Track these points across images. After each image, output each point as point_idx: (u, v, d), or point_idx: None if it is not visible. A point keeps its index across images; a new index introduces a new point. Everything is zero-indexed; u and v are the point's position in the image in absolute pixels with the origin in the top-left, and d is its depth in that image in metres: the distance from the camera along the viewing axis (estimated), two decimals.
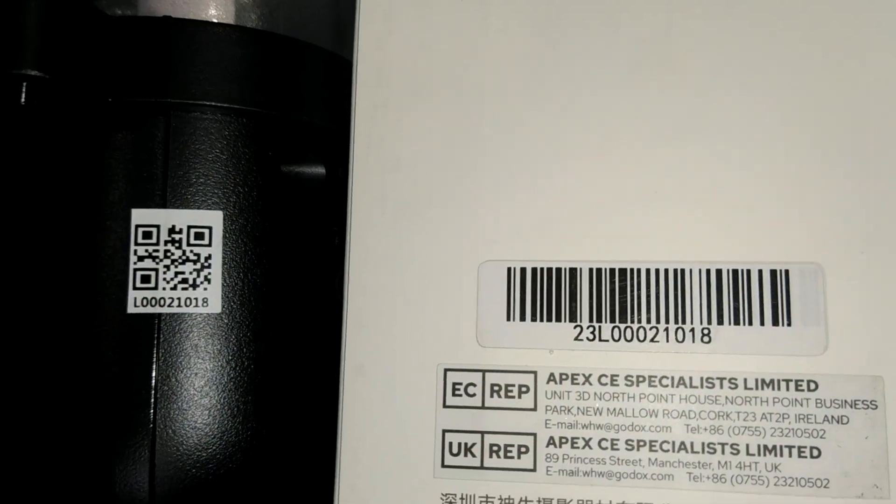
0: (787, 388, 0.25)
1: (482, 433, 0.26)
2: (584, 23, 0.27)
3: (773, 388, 0.25)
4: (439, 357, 0.26)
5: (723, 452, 0.25)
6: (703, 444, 0.25)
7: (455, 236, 0.27)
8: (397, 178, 0.27)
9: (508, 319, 0.26)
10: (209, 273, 0.29)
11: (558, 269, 0.26)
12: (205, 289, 0.28)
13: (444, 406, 0.26)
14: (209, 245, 0.29)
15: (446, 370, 0.26)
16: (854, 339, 0.25)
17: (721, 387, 0.25)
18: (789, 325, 0.25)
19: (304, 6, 0.33)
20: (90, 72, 0.28)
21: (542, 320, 0.26)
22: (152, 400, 0.28)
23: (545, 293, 0.26)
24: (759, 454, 0.25)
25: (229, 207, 0.29)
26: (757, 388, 0.25)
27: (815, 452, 0.25)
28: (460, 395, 0.26)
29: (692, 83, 0.26)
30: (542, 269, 0.26)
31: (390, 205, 0.27)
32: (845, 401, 0.25)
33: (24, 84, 0.26)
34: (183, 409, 0.28)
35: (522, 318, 0.26)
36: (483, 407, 0.26)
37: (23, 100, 0.26)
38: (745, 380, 0.25)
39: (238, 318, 0.29)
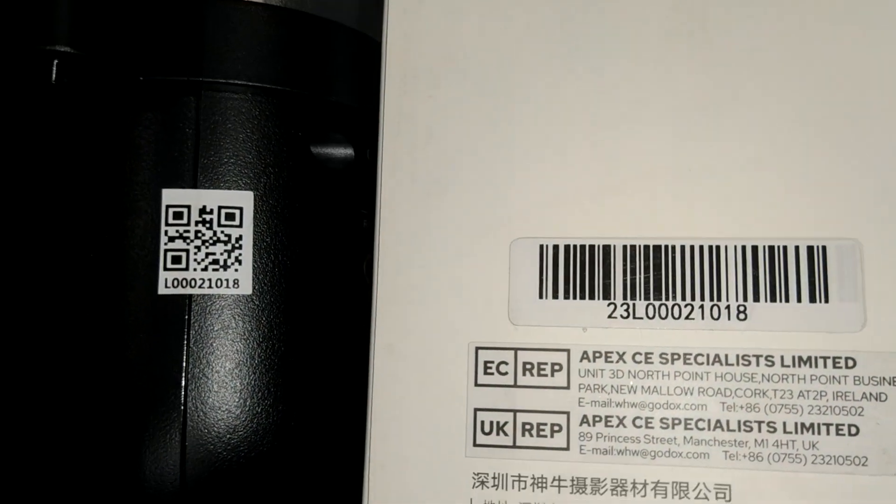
0: (825, 366, 0.25)
1: (514, 412, 0.27)
2: None
3: (811, 366, 0.25)
4: (470, 335, 0.27)
5: (759, 430, 0.25)
6: (739, 422, 0.25)
7: (486, 212, 0.27)
8: (427, 152, 0.28)
9: (541, 297, 0.27)
10: (240, 254, 0.29)
11: (591, 247, 0.27)
12: (235, 270, 0.29)
13: (476, 385, 0.27)
14: (240, 226, 0.29)
15: (478, 348, 0.27)
16: (893, 315, 0.25)
17: (757, 364, 0.26)
18: (826, 301, 0.26)
19: None
20: (122, 49, 0.28)
21: (575, 298, 0.27)
22: (183, 382, 0.28)
23: (578, 271, 0.27)
24: (796, 432, 0.25)
25: (260, 188, 0.30)
26: (794, 365, 0.25)
27: (854, 430, 0.25)
28: (492, 374, 0.27)
29: (728, 55, 0.27)
30: (575, 246, 0.27)
31: (420, 179, 0.28)
32: (884, 378, 0.25)
33: (56, 61, 0.27)
34: (214, 391, 0.28)
35: (555, 296, 0.27)
36: (515, 385, 0.27)
37: (53, 78, 0.27)
38: (782, 357, 0.26)
39: (268, 299, 0.29)
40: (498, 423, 0.27)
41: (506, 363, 0.27)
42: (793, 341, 0.26)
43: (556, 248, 0.27)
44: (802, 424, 0.25)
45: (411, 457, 0.27)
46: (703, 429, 0.26)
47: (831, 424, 0.25)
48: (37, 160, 0.29)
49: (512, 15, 0.28)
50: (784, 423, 0.25)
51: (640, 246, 0.27)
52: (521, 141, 0.28)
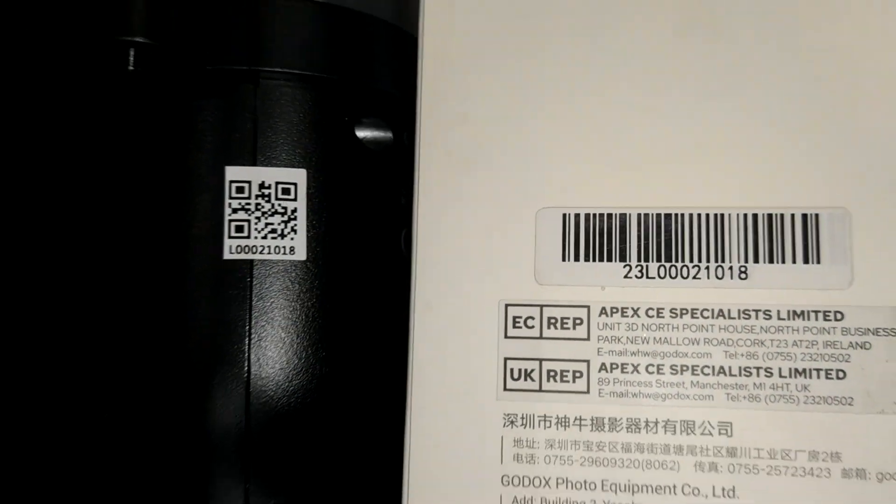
0: (816, 319, 0.26)
1: (540, 360, 0.28)
2: None
3: (804, 319, 0.26)
4: (501, 294, 0.28)
5: (758, 375, 0.26)
6: (740, 368, 0.26)
7: (515, 185, 0.28)
8: (462, 132, 0.29)
9: (563, 260, 0.28)
10: (295, 224, 0.30)
11: (609, 215, 0.28)
12: (291, 238, 0.30)
13: (506, 337, 0.28)
14: (295, 199, 0.30)
15: (507, 305, 0.28)
16: (877, 274, 0.26)
17: (756, 318, 0.27)
18: (818, 262, 0.26)
19: None
20: (190, 41, 0.30)
21: (594, 260, 0.28)
22: (247, 337, 0.29)
23: (597, 236, 0.28)
24: (790, 376, 0.26)
25: (311, 166, 0.31)
26: (789, 318, 0.26)
27: (841, 374, 0.26)
28: (520, 328, 0.28)
29: (732, 44, 0.28)
30: (594, 214, 0.28)
31: (455, 157, 0.29)
32: (868, 329, 0.26)
33: (132, 50, 0.28)
34: (273, 345, 0.30)
35: (576, 259, 0.28)
36: (541, 337, 0.28)
37: (131, 65, 0.28)
38: (779, 311, 0.26)
39: (320, 264, 0.30)
40: (525, 370, 0.28)
41: (532, 318, 0.28)
42: (788, 297, 0.26)
43: (577, 216, 0.28)
44: (796, 370, 0.26)
45: (449, 401, 0.28)
46: (707, 374, 0.27)
47: (821, 370, 0.26)
48: (115, 140, 0.30)
49: (538, 8, 0.29)
50: (780, 369, 0.26)
51: (652, 214, 0.27)
52: (547, 122, 0.28)
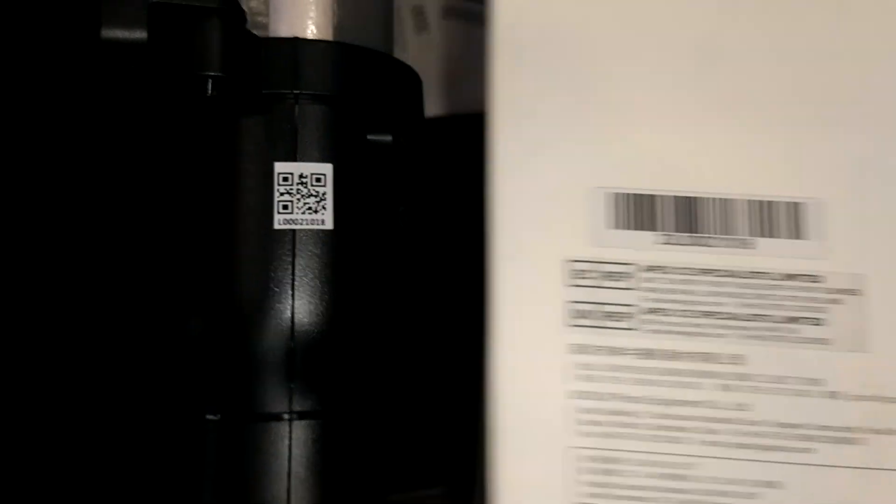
0: (804, 280, 0.31)
1: (596, 304, 0.32)
2: (657, 14, 0.35)
3: (795, 280, 0.32)
4: (563, 253, 0.32)
5: (760, 321, 0.32)
6: (746, 314, 0.32)
7: (574, 170, 0.33)
8: (531, 123, 0.33)
9: (615, 228, 0.33)
10: (325, 203, 0.35)
11: (650, 195, 0.33)
12: (322, 214, 0.35)
13: (569, 286, 0.32)
14: (324, 186, 0.35)
15: (569, 261, 0.32)
16: (848, 248, 0.31)
17: (760, 278, 0.32)
18: (807, 238, 0.32)
19: (368, 25, 0.41)
20: (250, 73, 0.36)
21: (636, 229, 0.33)
22: (291, 286, 0.34)
23: (638, 210, 0.33)
24: (784, 322, 0.32)
25: (336, 161, 0.36)
26: (784, 279, 0.32)
27: (822, 321, 0.31)
28: (580, 279, 0.32)
29: (737, 66, 0.32)
30: (635, 194, 0.33)
31: (526, 144, 0.33)
32: (841, 289, 0.31)
33: (210, 81, 0.34)
34: (311, 292, 0.34)
35: (622, 227, 0.33)
36: (597, 287, 0.32)
37: (209, 92, 0.34)
38: (777, 274, 0.32)
39: (343, 233, 0.36)
40: (584, 311, 0.32)
41: (590, 272, 0.32)
42: (783, 264, 0.32)
43: (623, 195, 0.33)
44: (788, 317, 0.32)
45: (523, 331, 0.31)
46: (723, 318, 0.32)
47: (807, 318, 0.31)
48: (198, 147, 0.35)
49: (590, 32, 0.34)
50: (776, 316, 0.32)
51: (680, 196, 0.33)
52: (597, 121, 0.33)
